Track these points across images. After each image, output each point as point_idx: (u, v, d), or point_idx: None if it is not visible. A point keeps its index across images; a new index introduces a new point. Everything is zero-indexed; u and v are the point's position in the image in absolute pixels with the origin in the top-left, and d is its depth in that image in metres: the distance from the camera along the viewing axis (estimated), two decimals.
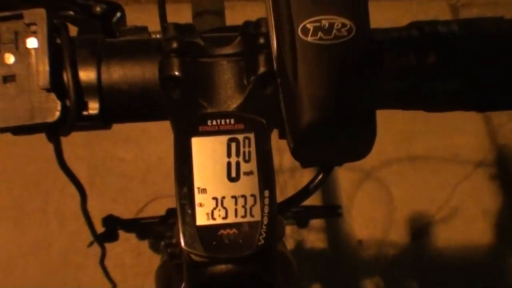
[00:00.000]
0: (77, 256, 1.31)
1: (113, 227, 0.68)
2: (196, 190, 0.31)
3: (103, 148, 1.47)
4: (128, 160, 1.46)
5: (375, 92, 0.29)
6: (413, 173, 1.45)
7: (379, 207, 1.41)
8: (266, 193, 0.31)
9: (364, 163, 1.51)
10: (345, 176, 1.43)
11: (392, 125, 1.47)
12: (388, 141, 1.47)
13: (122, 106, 0.35)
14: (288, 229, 1.25)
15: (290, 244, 1.29)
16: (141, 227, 0.70)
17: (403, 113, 1.45)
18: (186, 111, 0.33)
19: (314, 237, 1.36)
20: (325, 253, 1.35)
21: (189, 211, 0.31)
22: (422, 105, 0.37)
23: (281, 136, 0.35)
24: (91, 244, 0.66)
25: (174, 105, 0.33)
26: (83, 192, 0.42)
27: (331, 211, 0.78)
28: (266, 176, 0.32)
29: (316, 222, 1.35)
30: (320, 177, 0.37)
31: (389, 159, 1.46)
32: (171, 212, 0.63)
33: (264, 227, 0.31)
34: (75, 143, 1.41)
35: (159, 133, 1.47)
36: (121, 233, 0.72)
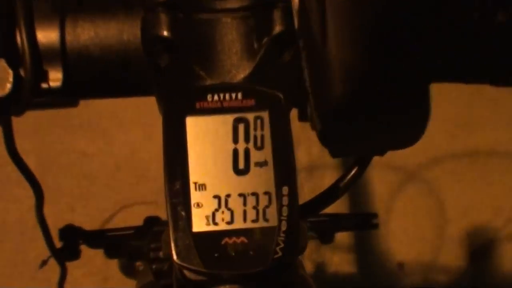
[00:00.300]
0: (21, 281, 1.31)
1: (73, 241, 0.69)
2: (192, 186, 0.31)
3: (57, 138, 1.48)
4: (90, 155, 1.47)
5: (431, 56, 0.29)
6: (472, 174, 1.46)
7: (426, 219, 1.41)
8: (285, 190, 0.31)
9: (407, 160, 1.53)
10: (381, 178, 1.43)
11: (445, 110, 1.47)
12: (439, 131, 1.46)
13: (93, 77, 0.35)
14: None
15: (307, 267, 1.30)
16: (110, 242, 0.70)
17: (459, 94, 1.46)
18: (177, 83, 0.33)
19: (339, 258, 1.36)
20: (354, 280, 1.36)
21: (183, 213, 0.31)
22: (489, 75, 0.36)
23: (302, 117, 0.36)
24: (44, 264, 0.66)
25: (162, 75, 0.33)
26: (39, 191, 0.42)
27: (364, 221, 0.77)
28: (285, 167, 0.32)
29: (342, 239, 1.35)
30: (354, 171, 0.38)
31: (440, 155, 1.46)
32: (151, 222, 0.64)
33: (282, 234, 0.31)
34: (20, 131, 1.41)
35: (132, 119, 1.48)
36: (84, 249, 0.73)
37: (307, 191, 1.35)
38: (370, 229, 0.78)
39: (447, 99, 1.47)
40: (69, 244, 0.68)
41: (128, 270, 0.79)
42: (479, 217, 1.41)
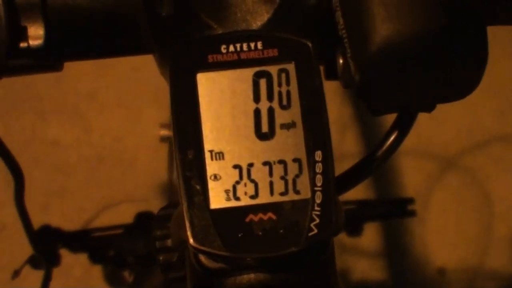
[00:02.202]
0: None
1: (51, 243, 0.69)
2: (207, 155, 0.32)
3: (27, 124, 1.48)
4: (66, 145, 1.47)
5: None
6: None
7: (470, 215, 1.41)
8: (318, 155, 0.32)
9: (447, 145, 1.54)
10: (417, 166, 1.43)
11: (492, 84, 1.46)
12: (485, 110, 1.46)
13: (79, 33, 0.36)
14: None
15: None
16: (94, 244, 0.71)
17: (509, 62, 1.44)
18: (183, 35, 0.33)
19: (367, 263, 1.37)
20: None
21: (199, 187, 0.31)
22: None
23: (329, 74, 0.36)
24: (16, 274, 0.66)
25: (163, 26, 0.34)
26: (19, 176, 0.43)
27: (398, 208, 0.78)
28: (317, 129, 0.32)
29: (370, 240, 1.35)
30: (394, 135, 0.38)
31: (486, 139, 1.46)
32: (143, 218, 0.64)
33: (316, 208, 0.31)
34: None
35: (114, 101, 1.47)
36: (63, 253, 0.73)
37: None
38: (405, 217, 0.79)
39: (495, 71, 1.47)
40: (46, 248, 0.69)
41: (114, 279, 0.79)
42: None
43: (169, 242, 0.39)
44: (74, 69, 1.50)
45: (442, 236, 1.40)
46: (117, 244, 0.69)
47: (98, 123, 1.48)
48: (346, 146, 1.39)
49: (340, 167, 0.39)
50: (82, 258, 0.78)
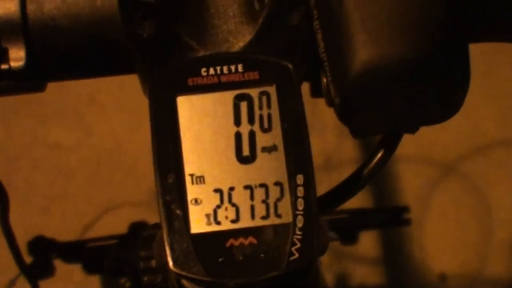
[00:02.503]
0: None
1: (45, 254, 0.69)
2: (188, 179, 0.32)
3: (27, 128, 1.47)
4: (66, 148, 1.47)
5: (470, 9, 0.30)
6: None
7: (470, 220, 1.41)
8: (299, 179, 0.31)
9: (447, 150, 1.53)
10: (416, 171, 1.42)
11: (492, 89, 1.46)
12: (486, 114, 1.46)
13: (61, 54, 0.35)
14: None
15: (327, 280, 1.30)
16: (89, 254, 0.70)
17: (510, 66, 1.44)
18: (164, 56, 0.33)
19: (365, 270, 1.36)
20: None
21: (179, 212, 0.31)
22: None
23: (315, 92, 0.36)
24: (12, 283, 0.67)
25: (145, 47, 0.33)
26: (3, 195, 0.42)
27: (393, 217, 0.78)
28: (298, 152, 0.32)
29: (368, 246, 1.35)
30: (379, 155, 0.38)
31: (487, 144, 1.45)
32: (137, 228, 0.64)
33: (298, 232, 0.31)
34: None
35: (115, 105, 1.47)
36: (58, 264, 0.73)
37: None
38: (400, 226, 0.79)
39: (495, 77, 1.46)
40: (40, 258, 0.69)
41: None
42: None
43: (153, 263, 0.39)
44: None
45: (442, 241, 1.39)
46: (111, 255, 0.69)
47: (98, 126, 1.48)
48: (344, 153, 1.39)
49: (339, 173, 0.39)
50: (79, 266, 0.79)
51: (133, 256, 0.63)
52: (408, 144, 1.54)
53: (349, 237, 0.75)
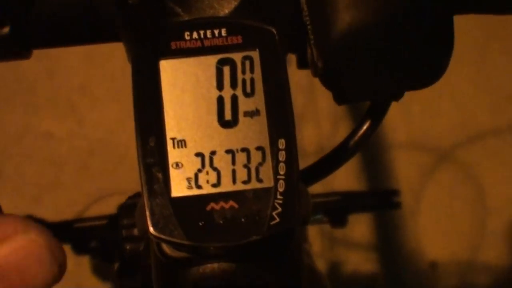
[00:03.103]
0: None
1: None
2: (169, 143, 0.32)
3: (18, 117, 1.47)
4: (59, 137, 1.47)
5: None
6: None
7: (463, 209, 1.41)
8: (281, 143, 0.32)
9: (441, 137, 1.53)
10: (409, 159, 1.42)
11: (487, 78, 1.46)
12: (480, 103, 1.46)
13: (48, 21, 0.35)
14: (316, 240, 1.27)
15: (320, 266, 1.29)
16: (78, 234, 0.70)
17: (506, 59, 1.44)
18: (148, 22, 0.33)
19: (358, 256, 1.36)
20: (377, 283, 1.36)
21: (160, 175, 0.31)
22: None
23: (301, 63, 0.36)
24: None
25: (129, 13, 0.33)
26: None
27: (383, 200, 0.78)
28: (280, 117, 0.32)
29: (360, 232, 1.35)
30: (366, 125, 0.38)
31: (481, 132, 1.45)
32: (126, 208, 0.64)
33: (279, 197, 0.31)
34: None
35: (107, 94, 1.47)
36: None
37: None
38: (389, 209, 0.79)
39: (489, 65, 1.46)
40: None
41: (103, 273, 0.79)
42: None
43: (135, 231, 0.38)
44: (67, 61, 1.50)
45: (434, 229, 1.39)
46: (99, 235, 0.68)
47: (90, 115, 1.47)
48: (340, 139, 1.38)
49: None
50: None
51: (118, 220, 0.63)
52: (401, 132, 1.54)
53: (339, 220, 0.74)
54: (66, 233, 0.70)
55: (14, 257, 0.25)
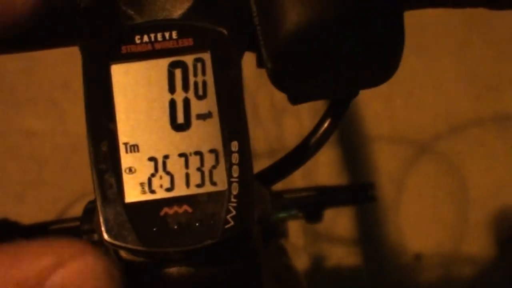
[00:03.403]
0: None
1: (9, 237, 0.68)
2: (122, 148, 0.31)
3: (0, 115, 1.47)
4: (41, 134, 1.47)
5: None
6: (503, 145, 1.45)
7: (445, 201, 1.41)
8: (234, 145, 0.31)
9: (422, 129, 1.54)
10: (390, 151, 1.43)
11: (468, 68, 1.46)
12: (461, 93, 1.46)
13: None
14: (298, 234, 1.27)
15: (302, 261, 1.31)
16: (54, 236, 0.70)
17: (486, 49, 1.44)
18: (101, 26, 0.33)
19: (341, 250, 1.36)
20: (360, 276, 1.36)
21: (113, 181, 0.31)
22: None
23: (260, 62, 0.36)
24: None
25: (83, 18, 0.33)
26: None
27: (358, 194, 0.78)
28: (233, 119, 0.32)
29: (344, 226, 1.36)
30: (327, 123, 0.38)
31: (462, 123, 1.46)
32: (87, 213, 0.63)
33: (233, 200, 0.31)
34: None
35: None
36: None
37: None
38: (365, 203, 0.79)
39: (469, 56, 1.47)
40: (3, 241, 0.68)
41: None
42: (509, 198, 1.41)
43: (96, 236, 0.38)
44: (47, 58, 1.49)
45: (418, 221, 1.40)
46: (74, 236, 0.68)
47: (73, 112, 1.47)
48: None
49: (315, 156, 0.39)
50: None
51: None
52: (383, 124, 1.54)
53: (314, 215, 0.74)
54: (41, 235, 0.70)
55: (71, 282, 0.25)
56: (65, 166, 1.43)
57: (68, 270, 0.25)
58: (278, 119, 1.36)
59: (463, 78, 1.46)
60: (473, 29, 1.44)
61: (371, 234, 1.40)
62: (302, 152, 0.39)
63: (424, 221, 1.40)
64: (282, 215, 0.73)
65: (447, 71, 1.44)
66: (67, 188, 1.39)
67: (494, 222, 1.39)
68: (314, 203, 0.73)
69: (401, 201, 1.40)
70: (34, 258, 0.25)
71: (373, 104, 1.39)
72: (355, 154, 1.42)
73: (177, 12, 0.33)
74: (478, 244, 1.38)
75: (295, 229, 1.19)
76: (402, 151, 1.43)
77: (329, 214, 0.83)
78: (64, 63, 1.47)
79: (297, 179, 1.22)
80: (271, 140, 1.36)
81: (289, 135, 1.37)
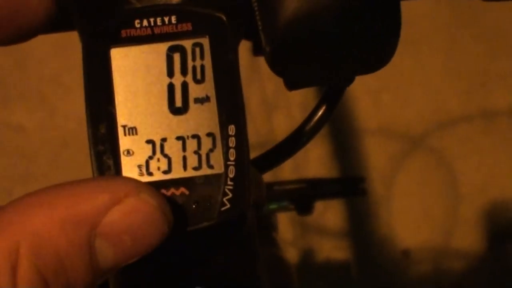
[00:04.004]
0: None
1: None
2: (120, 131, 0.32)
3: None
4: (30, 129, 1.46)
5: None
6: (492, 140, 1.46)
7: (435, 196, 1.41)
8: (231, 129, 0.32)
9: (411, 125, 1.54)
10: (380, 147, 1.43)
11: (457, 64, 1.47)
12: (450, 89, 1.47)
13: None
14: (288, 228, 1.27)
15: (291, 255, 1.30)
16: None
17: (476, 45, 1.45)
18: (100, 10, 0.33)
19: (330, 244, 1.37)
20: (349, 270, 1.36)
21: (111, 163, 0.31)
22: None
23: (256, 49, 0.36)
24: None
25: (83, 1, 0.33)
26: None
27: (349, 187, 0.78)
28: (230, 103, 0.32)
29: (334, 220, 1.36)
30: (322, 110, 0.38)
31: (452, 119, 1.46)
32: None
33: (229, 183, 0.31)
34: None
35: (78, 84, 1.45)
36: None
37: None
38: (356, 196, 0.79)
39: (458, 52, 1.47)
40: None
41: None
42: (498, 193, 1.42)
43: None
44: (37, 53, 1.49)
45: (407, 217, 1.40)
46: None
47: (62, 107, 1.47)
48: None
49: (307, 146, 0.40)
50: None
51: None
52: (372, 119, 1.54)
53: (305, 207, 0.75)
54: None
55: (127, 220, 0.26)
56: (54, 161, 1.43)
57: (123, 207, 0.26)
58: (269, 115, 1.36)
59: (452, 74, 1.46)
60: (462, 25, 1.44)
61: (360, 228, 1.40)
62: (297, 139, 0.40)
63: (413, 216, 1.40)
64: (272, 206, 0.73)
65: (436, 67, 1.45)
66: (56, 182, 1.38)
67: (483, 217, 1.40)
68: (305, 195, 0.74)
69: (390, 196, 1.41)
70: (91, 196, 0.26)
71: (362, 99, 1.39)
72: (344, 149, 1.42)
73: None
74: (467, 240, 1.39)
75: (284, 222, 1.19)
76: (392, 147, 1.44)
77: (319, 207, 0.83)
78: (54, 58, 1.47)
79: (287, 174, 1.23)
80: (262, 135, 1.36)
81: (280, 131, 1.37)
